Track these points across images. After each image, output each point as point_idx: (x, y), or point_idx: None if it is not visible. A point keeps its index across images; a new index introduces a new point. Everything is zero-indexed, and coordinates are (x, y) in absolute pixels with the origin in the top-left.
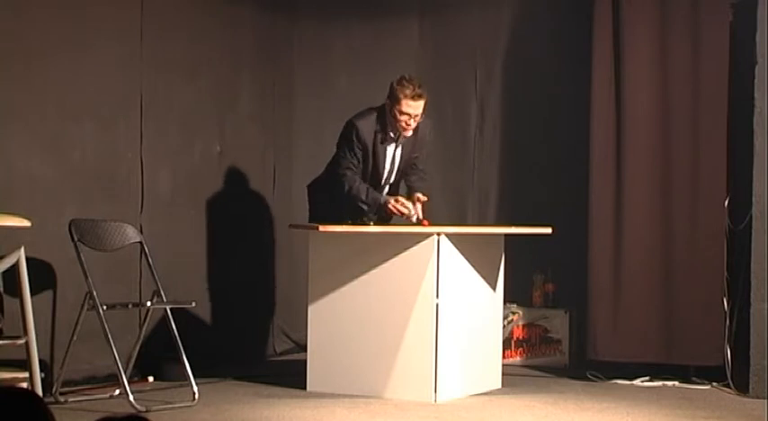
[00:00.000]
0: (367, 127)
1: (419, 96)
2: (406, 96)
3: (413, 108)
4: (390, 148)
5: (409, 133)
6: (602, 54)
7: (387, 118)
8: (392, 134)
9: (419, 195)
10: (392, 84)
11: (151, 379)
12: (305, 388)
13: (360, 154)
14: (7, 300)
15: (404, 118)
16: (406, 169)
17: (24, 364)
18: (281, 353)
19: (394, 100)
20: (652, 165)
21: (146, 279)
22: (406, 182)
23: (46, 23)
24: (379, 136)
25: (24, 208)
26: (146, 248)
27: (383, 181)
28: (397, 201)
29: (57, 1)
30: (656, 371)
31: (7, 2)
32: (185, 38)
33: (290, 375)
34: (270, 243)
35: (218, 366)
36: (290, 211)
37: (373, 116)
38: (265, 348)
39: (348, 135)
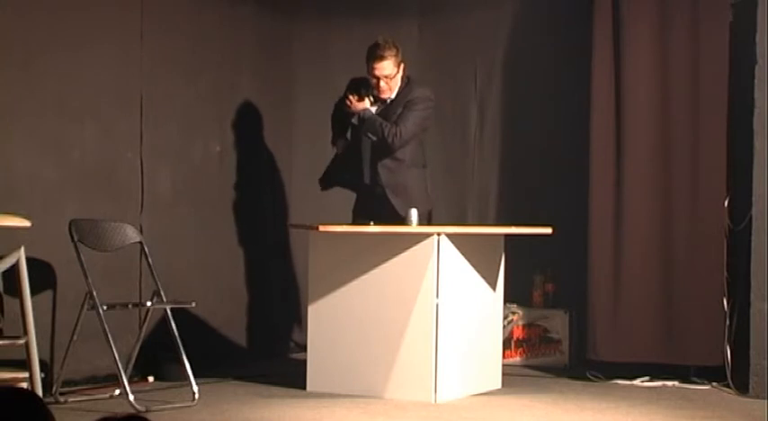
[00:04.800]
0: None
1: (381, 58)
2: (370, 59)
3: (378, 69)
4: (371, 109)
5: (385, 95)
6: (602, 54)
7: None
8: (373, 96)
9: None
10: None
11: (151, 379)
12: (305, 388)
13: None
14: (7, 300)
15: (374, 81)
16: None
17: (24, 364)
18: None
19: (367, 65)
20: (652, 165)
21: (146, 279)
22: None
23: (46, 23)
24: (363, 92)
25: (24, 208)
26: (146, 248)
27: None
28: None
29: (57, 1)
30: (656, 371)
31: (7, 2)
32: (185, 38)
33: (290, 375)
34: (270, 243)
35: (219, 366)
36: (290, 211)
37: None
38: (265, 348)
39: None
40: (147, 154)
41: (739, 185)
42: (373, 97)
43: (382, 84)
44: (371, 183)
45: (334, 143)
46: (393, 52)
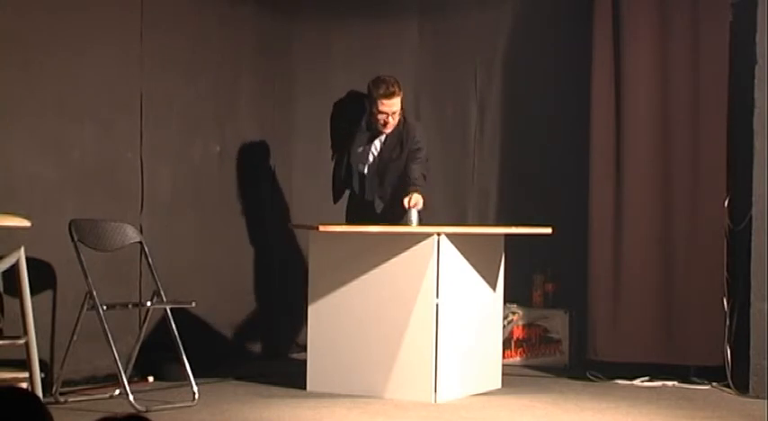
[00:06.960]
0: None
1: (392, 94)
2: (379, 95)
3: (387, 106)
4: (368, 142)
5: (388, 129)
6: (602, 54)
7: (368, 115)
8: (371, 129)
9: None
10: (369, 84)
11: (151, 379)
12: (305, 388)
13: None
14: (7, 299)
15: (381, 117)
16: (400, 173)
17: (24, 364)
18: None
19: (371, 100)
20: (652, 165)
21: (146, 279)
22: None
23: (46, 23)
24: (363, 124)
25: (24, 208)
26: (146, 248)
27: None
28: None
29: (57, 1)
30: (656, 371)
31: (7, 2)
32: (185, 38)
33: (290, 375)
34: (269, 243)
35: (219, 366)
36: (290, 211)
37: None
38: (265, 348)
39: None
40: (147, 154)
41: (739, 185)
42: (372, 131)
43: (390, 119)
44: (371, 199)
45: (333, 151)
46: (398, 88)
